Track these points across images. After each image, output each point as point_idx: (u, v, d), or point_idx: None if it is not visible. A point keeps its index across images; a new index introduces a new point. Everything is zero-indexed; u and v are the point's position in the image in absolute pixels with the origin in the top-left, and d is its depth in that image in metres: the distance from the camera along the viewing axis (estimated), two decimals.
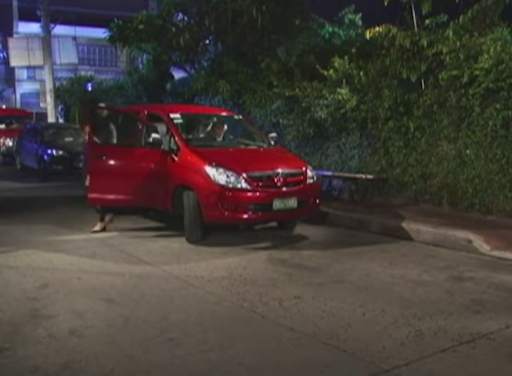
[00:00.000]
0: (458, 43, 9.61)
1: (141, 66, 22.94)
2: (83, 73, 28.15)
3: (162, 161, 8.42)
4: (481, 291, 5.69)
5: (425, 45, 10.10)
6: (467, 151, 9.27)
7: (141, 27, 14.93)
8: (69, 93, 24.38)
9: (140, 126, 9.15)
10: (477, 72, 8.94)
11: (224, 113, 10.34)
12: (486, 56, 8.83)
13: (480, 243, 7.32)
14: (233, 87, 14.04)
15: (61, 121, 24.68)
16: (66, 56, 25.91)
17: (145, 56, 20.58)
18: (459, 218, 8.83)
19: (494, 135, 8.89)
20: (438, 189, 9.72)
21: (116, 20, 15.67)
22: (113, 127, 9.02)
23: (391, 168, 10.51)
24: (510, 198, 8.70)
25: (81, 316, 4.86)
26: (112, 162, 8.68)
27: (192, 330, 4.55)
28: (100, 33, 17.86)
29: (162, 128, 8.73)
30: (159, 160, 8.47)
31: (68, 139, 16.55)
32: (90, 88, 23.77)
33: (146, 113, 9.39)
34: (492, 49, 8.81)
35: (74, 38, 27.93)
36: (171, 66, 17.97)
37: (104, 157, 8.51)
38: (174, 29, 15.07)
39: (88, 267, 6.46)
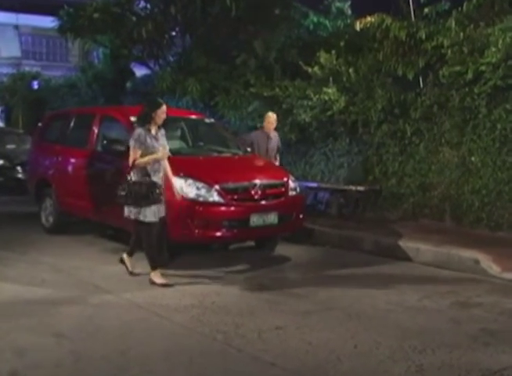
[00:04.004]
0: (461, 34, 9.70)
1: (96, 61, 22.83)
2: (27, 68, 27.86)
3: (120, 171, 8.38)
4: (492, 319, 5.73)
5: (424, 37, 10.19)
6: (473, 158, 9.34)
7: (96, 15, 14.85)
8: (11, 92, 24.13)
9: (95, 130, 9.18)
10: (483, 68, 9.04)
11: (193, 116, 10.35)
12: (494, 49, 8.93)
13: (489, 263, 7.37)
14: (204, 86, 14.03)
15: (1, 124, 24.42)
16: (7, 48, 25.66)
17: (101, 50, 20.49)
18: (464, 234, 8.90)
19: (503, 140, 8.98)
20: (440, 202, 9.78)
21: (66, 7, 15.58)
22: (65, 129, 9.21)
23: (386, 178, 10.57)
24: None
25: (25, 354, 4.76)
26: (66, 167, 9.59)
27: (157, 368, 4.50)
28: (48, 22, 17.72)
29: (121, 132, 8.71)
30: (116, 169, 8.44)
31: (10, 146, 16.33)
32: (36, 87, 23.56)
33: (103, 115, 9.38)
34: (500, 41, 8.89)
35: (16, 27, 27.67)
36: (131, 62, 17.91)
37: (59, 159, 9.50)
38: (134, 18, 15.04)
39: (34, 296, 6.36)
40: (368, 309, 6.01)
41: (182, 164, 8.02)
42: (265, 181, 8.04)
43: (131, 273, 7.25)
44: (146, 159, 6.87)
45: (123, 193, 6.84)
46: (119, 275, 7.29)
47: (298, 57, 12.68)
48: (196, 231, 7.50)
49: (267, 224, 7.86)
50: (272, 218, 7.89)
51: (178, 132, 9.52)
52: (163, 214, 7.02)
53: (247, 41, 13.90)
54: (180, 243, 7.81)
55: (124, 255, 7.36)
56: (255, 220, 7.73)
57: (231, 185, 7.77)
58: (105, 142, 8.88)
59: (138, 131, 6.98)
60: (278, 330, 5.33)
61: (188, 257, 8.13)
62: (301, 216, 8.43)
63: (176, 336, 5.21)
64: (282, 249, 8.73)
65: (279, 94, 12.04)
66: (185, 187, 7.54)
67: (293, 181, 8.51)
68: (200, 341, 5.09)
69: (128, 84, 18.64)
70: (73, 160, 9.65)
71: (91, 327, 5.40)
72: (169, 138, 9.17)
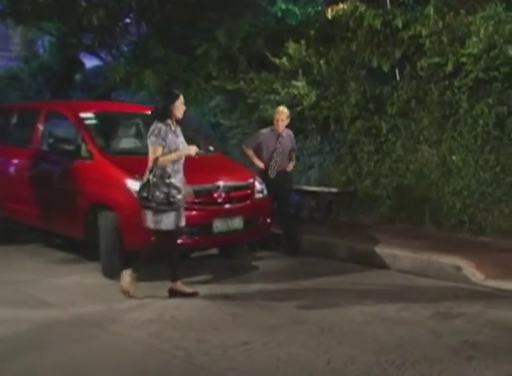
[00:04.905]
0: (440, 23, 9.79)
1: (41, 50, 22.56)
2: None
3: (69, 173, 8.31)
4: (474, 330, 5.79)
5: (400, 25, 10.25)
6: (453, 157, 9.44)
7: None
8: None
9: (41, 127, 9.09)
10: (464, 59, 9.15)
11: (150, 112, 10.28)
12: (475, 38, 9.04)
13: (471, 270, 7.45)
14: (162, 79, 13.98)
15: None
16: None
17: (46, 38, 20.28)
18: (444, 239, 8.99)
19: (485, 137, 9.09)
20: (419, 205, 9.85)
21: None
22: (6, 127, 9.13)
23: (360, 178, 10.63)
24: (506, 214, 8.89)
25: None
26: (7, 169, 9.52)
27: None
28: None
29: (69, 130, 8.64)
30: (65, 170, 8.37)
31: None
32: None
33: (49, 111, 9.30)
34: (482, 30, 9.01)
35: None
36: (81, 52, 17.76)
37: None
38: (84, 4, 14.88)
39: None
40: (342, 321, 6.03)
41: (137, 165, 7.94)
42: (229, 183, 8.03)
43: (192, 294, 6.91)
44: (172, 156, 6.75)
45: (145, 195, 6.57)
46: (68, 288, 7.24)
47: (265, 47, 12.67)
48: (153, 238, 7.45)
49: (231, 230, 7.86)
50: (237, 223, 7.89)
51: (134, 130, 9.45)
52: (183, 223, 6.90)
53: (209, 29, 13.86)
54: (136, 251, 7.75)
55: (172, 286, 6.95)
56: (219, 225, 7.73)
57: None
58: (51, 140, 8.79)
59: (159, 125, 6.76)
60: (244, 346, 5.32)
61: (145, 267, 8.06)
62: (268, 221, 8.44)
63: (133, 354, 5.18)
64: (248, 257, 8.73)
65: (244, 87, 12.05)
66: None
67: (260, 182, 8.51)
68: (160, 359, 5.06)
69: (77, 77, 18.49)
70: (15, 161, 9.53)
71: (37, 348, 5.34)
72: (124, 136, 9.16)
